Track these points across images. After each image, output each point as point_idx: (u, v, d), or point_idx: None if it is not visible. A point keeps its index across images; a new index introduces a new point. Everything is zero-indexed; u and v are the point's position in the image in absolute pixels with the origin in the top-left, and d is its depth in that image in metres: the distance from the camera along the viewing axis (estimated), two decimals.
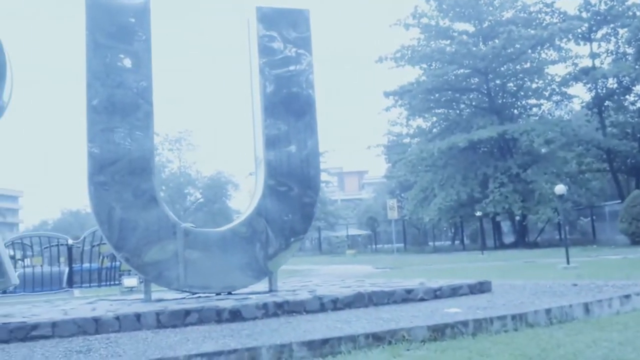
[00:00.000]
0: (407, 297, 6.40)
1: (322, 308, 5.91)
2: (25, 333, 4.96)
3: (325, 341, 4.40)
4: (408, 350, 4.36)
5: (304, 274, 15.23)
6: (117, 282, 15.40)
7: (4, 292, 10.83)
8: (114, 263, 16.35)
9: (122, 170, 6.48)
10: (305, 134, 7.17)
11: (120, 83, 6.59)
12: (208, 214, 53.88)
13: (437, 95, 34.03)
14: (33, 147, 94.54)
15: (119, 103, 6.55)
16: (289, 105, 7.14)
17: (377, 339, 4.54)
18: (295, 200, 7.06)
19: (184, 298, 6.63)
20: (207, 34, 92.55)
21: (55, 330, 5.04)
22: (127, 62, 6.66)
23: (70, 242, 17.40)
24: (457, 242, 41.52)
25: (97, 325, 5.18)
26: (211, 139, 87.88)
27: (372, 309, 5.97)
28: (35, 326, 5.00)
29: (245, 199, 56.73)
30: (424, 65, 33.81)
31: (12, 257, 15.35)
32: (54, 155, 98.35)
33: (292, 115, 7.14)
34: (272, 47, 7.20)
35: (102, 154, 6.45)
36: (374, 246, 44.55)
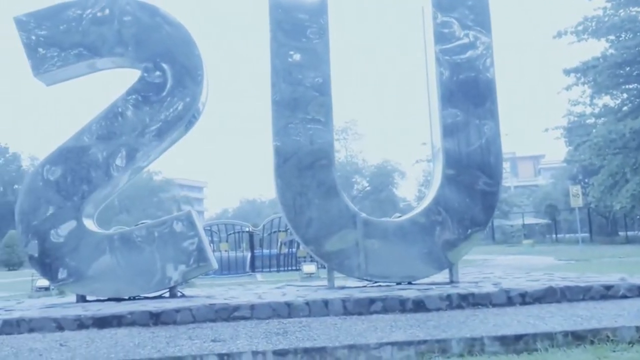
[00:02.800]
0: (606, 293, 5.86)
1: (510, 302, 5.66)
2: (228, 314, 5.46)
3: (519, 337, 4.22)
4: (614, 351, 4.01)
5: (479, 265, 14.75)
6: (294, 268, 16.32)
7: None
8: (291, 249, 17.34)
9: (304, 163, 6.81)
10: (485, 120, 6.89)
11: (301, 80, 6.91)
12: (375, 202, 54.58)
13: (627, 69, 30.51)
14: (214, 140, 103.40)
15: (300, 99, 6.88)
16: (467, 92, 6.91)
17: (577, 337, 4.25)
18: (475, 189, 6.84)
19: (365, 286, 6.79)
20: (379, 25, 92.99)
21: (254, 312, 5.48)
22: (307, 60, 6.95)
23: (250, 229, 18.79)
24: None
25: (289, 310, 5.52)
26: (377, 127, 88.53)
27: (565, 305, 5.58)
28: (236, 308, 5.49)
29: (412, 187, 56.43)
30: (612, 37, 30.50)
31: None
32: (233, 147, 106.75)
33: (471, 101, 6.90)
34: (448, 33, 7.01)
35: (285, 147, 6.83)
36: (553, 236, 41.64)
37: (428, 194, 7.32)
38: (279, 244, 17.80)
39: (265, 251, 18.04)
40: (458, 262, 6.94)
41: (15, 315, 5.53)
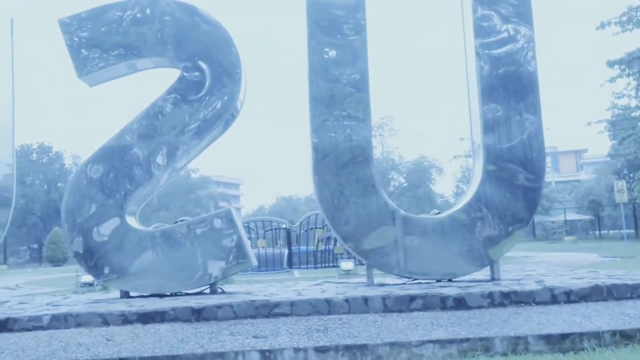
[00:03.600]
0: None
1: (554, 300, 5.53)
2: (268, 310, 5.50)
3: (564, 336, 4.13)
4: None
5: (520, 262, 14.48)
6: (331, 264, 16.34)
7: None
8: (328, 246, 17.36)
9: (342, 159, 6.79)
10: (526, 114, 6.75)
11: (338, 76, 6.90)
12: (412, 198, 54.08)
13: None
14: (250, 137, 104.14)
15: (337, 95, 6.87)
16: (508, 86, 6.78)
17: (625, 337, 4.14)
18: (516, 185, 6.71)
19: (404, 283, 6.74)
20: (417, 19, 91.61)
21: (294, 308, 5.50)
22: (344, 56, 6.93)
23: (287, 226, 18.88)
24: None
25: (329, 307, 5.53)
26: (413, 123, 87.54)
27: (612, 303, 5.42)
28: (277, 304, 5.52)
29: (450, 183, 55.76)
30: None
31: None
32: (269, 145, 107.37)
33: (512, 96, 6.77)
34: (487, 27, 6.89)
35: (323, 144, 6.83)
36: (596, 232, 40.53)
37: (468, 190, 7.22)
38: (315, 240, 17.86)
39: (302, 248, 18.12)
40: (499, 260, 6.83)
41: (63, 310, 5.69)
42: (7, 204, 7.02)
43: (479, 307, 5.45)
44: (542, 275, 7.20)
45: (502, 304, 5.49)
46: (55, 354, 4.28)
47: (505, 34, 6.86)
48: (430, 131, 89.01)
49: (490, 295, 5.54)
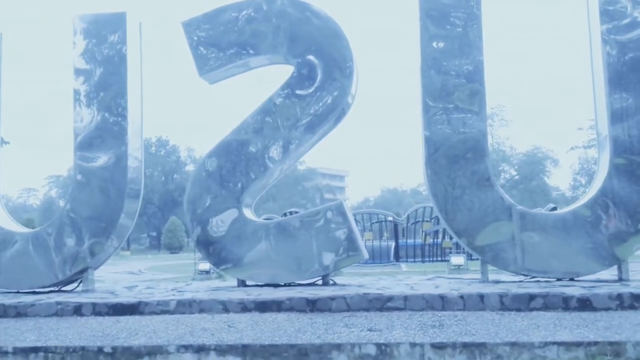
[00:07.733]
0: None
1: None
2: (381, 304, 5.52)
3: None
4: None
5: None
6: (439, 259, 16.06)
7: None
8: (436, 240, 17.08)
9: (456, 152, 6.65)
10: None
11: (451, 68, 6.74)
12: (524, 191, 51.80)
13: None
14: (355, 128, 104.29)
15: (450, 87, 6.72)
16: (639, 73, 6.28)
17: None
18: None
19: (521, 281, 6.49)
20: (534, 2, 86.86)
21: (407, 303, 5.47)
22: (457, 47, 6.76)
23: (391, 218, 18.77)
24: None
25: (443, 302, 5.44)
26: (526, 113, 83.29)
27: None
28: (390, 298, 5.52)
29: (566, 175, 52.77)
30: None
31: None
32: (374, 136, 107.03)
33: None
34: (615, 10, 6.42)
35: (435, 137, 6.72)
36: None
37: (592, 184, 6.79)
38: (423, 234, 17.64)
39: (410, 241, 17.97)
40: (628, 259, 6.37)
41: (187, 296, 6.05)
42: (137, 196, 7.57)
43: (606, 309, 5.12)
44: None
45: (632, 307, 5.13)
46: (183, 337, 4.56)
47: (635, 18, 6.35)
48: (545, 120, 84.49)
49: (619, 296, 5.19)
